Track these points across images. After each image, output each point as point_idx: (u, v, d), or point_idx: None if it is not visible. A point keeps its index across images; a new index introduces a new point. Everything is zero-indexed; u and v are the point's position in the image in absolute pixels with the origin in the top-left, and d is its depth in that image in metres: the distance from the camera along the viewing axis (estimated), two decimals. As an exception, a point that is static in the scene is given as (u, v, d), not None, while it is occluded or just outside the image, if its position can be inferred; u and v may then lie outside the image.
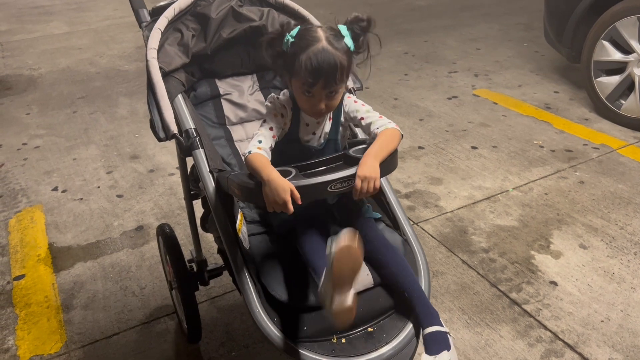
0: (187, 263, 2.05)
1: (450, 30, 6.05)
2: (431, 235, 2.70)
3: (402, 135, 1.51)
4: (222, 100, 1.94)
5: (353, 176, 1.35)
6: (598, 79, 3.79)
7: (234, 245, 1.49)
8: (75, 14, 7.69)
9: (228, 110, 1.94)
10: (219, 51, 1.89)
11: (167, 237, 2.03)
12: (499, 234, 2.69)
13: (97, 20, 7.24)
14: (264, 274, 1.48)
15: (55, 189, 3.29)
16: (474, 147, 3.53)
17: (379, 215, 1.68)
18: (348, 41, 1.42)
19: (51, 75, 5.30)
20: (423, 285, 1.52)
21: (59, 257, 2.68)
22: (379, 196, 1.71)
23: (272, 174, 1.31)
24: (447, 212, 2.88)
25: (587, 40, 3.80)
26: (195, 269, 2.09)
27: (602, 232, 2.66)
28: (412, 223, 2.78)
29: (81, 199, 3.17)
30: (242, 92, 1.96)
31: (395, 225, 1.67)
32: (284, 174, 1.36)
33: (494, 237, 2.67)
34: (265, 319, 1.40)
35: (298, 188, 1.31)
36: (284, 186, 1.29)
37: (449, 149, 3.54)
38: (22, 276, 2.56)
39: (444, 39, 5.79)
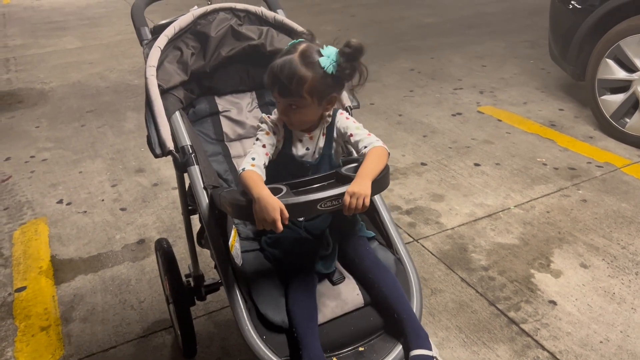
0: (183, 278, 2.06)
1: (457, 48, 6.08)
2: (431, 252, 2.70)
3: (389, 153, 1.52)
4: (221, 117, 1.97)
5: (343, 195, 1.36)
6: (602, 97, 3.78)
7: (225, 262, 1.50)
8: (87, 29, 7.81)
9: (226, 126, 1.97)
10: (219, 69, 1.92)
11: (164, 252, 2.05)
12: (499, 252, 2.68)
13: (109, 35, 7.35)
14: (256, 292, 1.49)
15: (60, 201, 3.33)
16: (476, 164, 3.53)
17: (373, 234, 1.69)
18: (324, 61, 1.44)
19: (62, 89, 5.38)
20: (414, 305, 1.53)
21: (60, 270, 2.71)
22: (373, 214, 1.72)
23: (262, 191, 1.33)
24: (447, 229, 2.88)
25: (592, 58, 3.80)
26: (192, 284, 2.11)
27: (603, 252, 2.64)
28: (411, 240, 2.79)
29: (85, 211, 3.20)
30: (240, 109, 1.99)
31: (388, 243, 1.68)
32: (275, 191, 1.37)
33: (494, 255, 2.66)
34: (255, 338, 1.41)
35: (288, 206, 1.32)
36: (274, 204, 1.30)
37: (452, 165, 3.54)
38: (23, 288, 2.59)
39: (450, 56, 5.81)
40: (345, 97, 1.88)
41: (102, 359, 2.16)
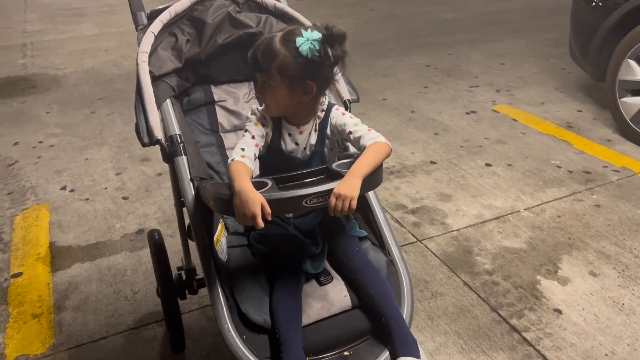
0: (173, 271, 2.01)
1: (475, 45, 5.94)
2: (434, 254, 2.61)
3: (391, 150, 1.44)
4: (216, 107, 1.91)
5: (331, 191, 1.29)
6: (623, 99, 3.64)
7: (208, 257, 1.45)
8: (106, 16, 7.82)
9: (222, 117, 1.91)
10: (215, 57, 1.86)
11: (154, 243, 2.00)
12: (505, 256, 2.58)
13: (126, 23, 7.34)
14: (238, 290, 1.43)
15: (64, 188, 3.31)
16: (488, 165, 3.43)
17: (365, 234, 1.62)
18: (299, 41, 1.36)
19: (75, 76, 5.38)
20: (404, 310, 1.46)
21: (58, 257, 2.68)
22: (366, 213, 1.65)
23: (244, 185, 1.26)
24: (453, 231, 2.79)
25: (613, 59, 3.65)
26: (183, 277, 2.06)
27: (614, 260, 2.53)
28: (415, 240, 2.71)
29: (87, 199, 3.18)
30: (237, 100, 1.93)
31: (381, 244, 1.60)
32: (259, 185, 1.31)
33: (499, 259, 2.57)
34: (235, 337, 1.36)
35: (270, 201, 1.26)
36: (254, 198, 1.24)
37: (462, 165, 3.44)
38: (19, 274, 2.57)
39: (468, 53, 5.68)
40: (343, 89, 1.81)
41: (91, 350, 2.13)
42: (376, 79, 5.03)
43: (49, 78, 5.34)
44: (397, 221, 2.87)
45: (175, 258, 2.47)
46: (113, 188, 3.29)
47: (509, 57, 5.48)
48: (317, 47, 1.36)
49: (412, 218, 2.90)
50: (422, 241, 2.71)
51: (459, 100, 4.46)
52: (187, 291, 2.03)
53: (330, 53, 1.37)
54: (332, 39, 1.37)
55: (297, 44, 1.37)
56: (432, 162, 3.48)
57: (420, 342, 2.08)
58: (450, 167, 3.42)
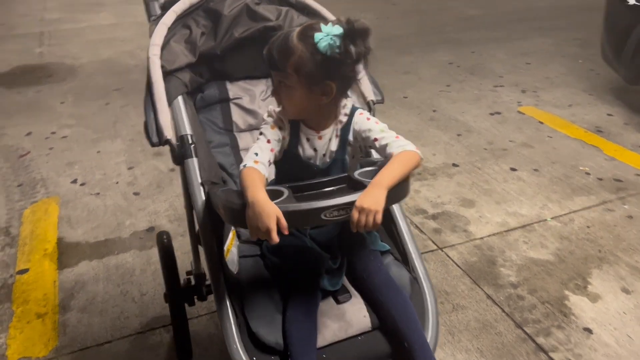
0: (182, 275, 1.91)
1: (501, 42, 5.76)
2: (455, 263, 2.49)
3: (422, 159, 1.31)
4: (231, 105, 1.80)
5: (352, 204, 1.17)
6: (658, 104, 3.47)
7: (217, 270, 1.34)
8: (124, 5, 7.75)
9: (236, 115, 1.80)
10: (231, 52, 1.75)
11: (163, 247, 1.90)
12: (531, 268, 2.45)
13: (144, 13, 7.27)
14: (249, 306, 1.33)
15: (75, 181, 3.23)
16: (513, 169, 3.28)
17: (388, 247, 1.49)
18: (318, 36, 1.23)
19: (91, 66, 5.31)
20: (429, 335, 1.34)
21: (65, 253, 2.60)
22: (389, 225, 1.53)
23: (258, 194, 1.15)
24: (476, 239, 2.66)
25: (649, 61, 3.48)
26: (193, 283, 1.96)
27: (649, 276, 2.39)
28: (435, 248, 2.58)
29: (98, 193, 3.10)
30: (253, 97, 1.82)
31: (404, 259, 1.48)
32: (275, 194, 1.20)
33: (525, 271, 2.43)
34: (244, 358, 1.24)
35: (286, 213, 1.14)
36: (269, 211, 1.12)
37: (486, 168, 3.30)
38: (25, 270, 2.49)
39: (493, 51, 5.51)
40: (367, 89, 1.69)
41: (95, 354, 2.04)
42: (397, 76, 4.88)
43: (65, 67, 5.28)
44: (417, 227, 2.75)
45: (185, 259, 2.37)
46: (124, 183, 3.21)
47: (535, 57, 5.30)
48: (338, 44, 1.24)
49: (433, 224, 2.77)
50: (443, 249, 2.59)
51: (482, 100, 4.31)
52: (195, 297, 1.93)
53: (352, 50, 1.24)
54: (354, 34, 1.24)
55: (315, 40, 1.24)
56: (454, 165, 3.35)
57: (441, 359, 1.97)
58: (473, 170, 3.28)
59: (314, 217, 1.16)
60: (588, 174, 3.22)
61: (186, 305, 1.92)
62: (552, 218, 2.81)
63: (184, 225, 2.74)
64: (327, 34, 1.24)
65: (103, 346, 2.08)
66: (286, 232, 1.14)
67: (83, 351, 2.06)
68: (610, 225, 2.75)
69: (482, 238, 2.66)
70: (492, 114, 4.06)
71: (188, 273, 1.99)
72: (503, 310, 2.21)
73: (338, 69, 1.29)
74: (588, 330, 2.11)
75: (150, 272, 2.46)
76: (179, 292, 1.83)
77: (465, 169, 3.30)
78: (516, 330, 2.11)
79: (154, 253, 2.58)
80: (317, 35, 1.25)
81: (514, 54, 5.40)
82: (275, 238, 1.12)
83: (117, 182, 3.21)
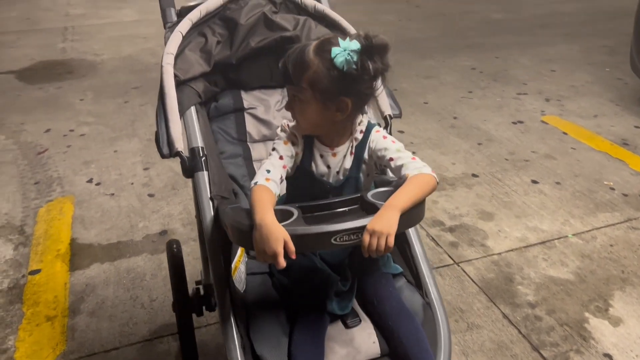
0: (191, 285, 1.89)
1: (525, 48, 5.64)
2: (472, 279, 2.42)
3: (437, 183, 1.25)
4: (246, 115, 1.76)
5: (364, 228, 1.12)
6: (688, 118, 3.35)
7: (223, 288, 1.30)
8: (147, 2, 7.77)
9: (250, 125, 1.76)
10: (246, 61, 1.71)
11: (172, 256, 1.87)
12: (550, 288, 2.37)
13: (167, 10, 7.29)
14: (254, 328, 1.29)
15: (90, 180, 3.23)
16: (534, 181, 3.20)
17: (400, 270, 1.44)
18: (335, 51, 1.19)
19: (112, 63, 5.34)
20: (441, 362, 1.28)
21: (78, 255, 2.60)
22: (403, 246, 1.47)
23: (266, 217, 1.11)
24: (493, 254, 2.59)
25: (680, 74, 3.36)
26: (202, 293, 1.93)
27: (674, 301, 2.30)
28: (451, 262, 2.52)
29: (113, 194, 3.09)
30: (268, 108, 1.78)
31: (417, 283, 1.43)
32: (284, 215, 1.16)
33: (543, 290, 2.36)
34: (247, 382, 1.21)
35: (295, 237, 1.10)
36: (277, 235, 1.08)
37: (506, 180, 3.22)
38: (37, 271, 2.49)
39: (517, 56, 5.40)
40: (384, 103, 1.64)
41: (102, 361, 2.03)
42: (418, 80, 4.81)
43: (86, 64, 5.31)
44: (432, 239, 2.69)
45: (197, 265, 2.36)
46: (139, 184, 3.20)
47: (561, 64, 5.18)
48: (355, 59, 1.19)
49: (450, 237, 2.71)
50: (460, 264, 2.52)
51: (505, 108, 4.21)
52: (204, 307, 1.90)
53: (369, 66, 1.20)
54: (371, 50, 1.19)
55: (332, 55, 1.20)
56: (473, 175, 3.27)
57: (453, 382, 1.91)
58: (493, 181, 3.20)
59: (324, 242, 1.12)
60: (612, 189, 3.12)
61: (194, 315, 1.89)
62: (573, 235, 2.72)
63: (196, 230, 2.72)
64: (345, 49, 1.20)
65: (110, 353, 2.06)
66: (294, 257, 1.09)
67: (90, 357, 2.04)
68: (634, 244, 2.65)
69: (500, 253, 2.59)
70: (514, 123, 3.97)
71: (197, 283, 1.96)
72: (520, 332, 2.14)
73: (354, 85, 1.24)
74: (608, 357, 2.03)
75: (160, 277, 2.44)
76: (187, 302, 1.80)
77: (485, 179, 3.23)
78: (532, 354, 2.04)
79: (166, 258, 2.56)
80: (335, 50, 1.20)
81: (539, 60, 5.29)
82: (282, 263, 1.08)
83: (132, 183, 3.20)
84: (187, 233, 2.72)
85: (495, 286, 2.38)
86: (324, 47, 1.23)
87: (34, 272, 2.48)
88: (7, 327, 2.18)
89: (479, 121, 4.00)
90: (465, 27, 6.51)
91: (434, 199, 3.02)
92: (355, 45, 1.20)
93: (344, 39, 1.22)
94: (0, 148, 3.64)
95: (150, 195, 3.08)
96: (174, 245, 1.91)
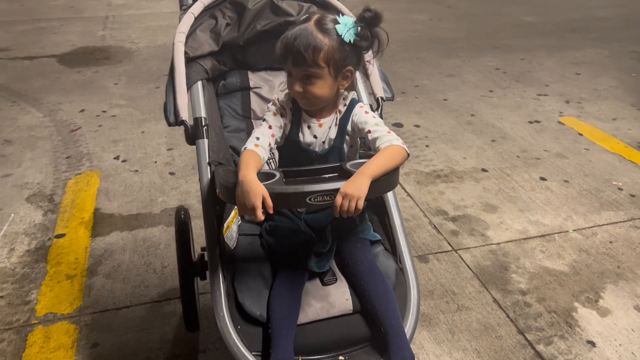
0: (197, 250, 2.04)
1: (552, 51, 5.64)
2: (467, 265, 2.51)
3: (409, 155, 1.37)
4: (251, 93, 1.91)
5: (337, 191, 1.24)
6: None
7: (214, 242, 1.44)
8: (186, -5, 8.03)
9: (255, 103, 1.90)
10: (253, 43, 1.85)
11: (179, 221, 2.02)
12: (544, 277, 2.44)
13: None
14: (239, 280, 1.43)
15: (117, 157, 3.44)
16: (542, 178, 3.25)
17: (378, 237, 1.56)
18: (341, 28, 1.34)
19: (147, 51, 5.57)
20: (407, 324, 1.40)
21: (99, 223, 2.79)
22: (383, 217, 1.59)
23: (248, 175, 1.25)
24: (492, 244, 2.67)
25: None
26: (206, 258, 2.07)
27: (666, 297, 2.34)
28: (450, 249, 2.61)
29: (137, 170, 3.29)
30: (272, 87, 1.91)
31: (394, 251, 1.54)
32: (266, 177, 1.29)
33: (536, 279, 2.43)
34: (229, 327, 1.35)
35: (273, 195, 1.23)
36: (256, 190, 1.22)
37: (515, 176, 3.28)
38: (62, 235, 2.69)
39: (543, 59, 5.40)
40: (378, 85, 1.75)
41: (113, 316, 2.20)
42: (440, 78, 4.88)
43: (123, 51, 5.56)
44: (435, 227, 2.78)
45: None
46: (162, 163, 3.38)
47: (586, 67, 5.17)
48: (357, 31, 1.36)
49: (452, 226, 2.80)
50: (458, 251, 2.61)
51: (523, 108, 4.25)
52: (207, 272, 2.04)
53: (370, 34, 1.37)
54: (372, 20, 1.35)
55: (340, 32, 1.35)
56: (483, 170, 3.34)
57: (437, 355, 2.01)
58: (501, 176, 3.27)
59: (299, 200, 1.24)
60: (620, 189, 3.15)
61: (199, 279, 2.04)
62: (574, 230, 2.78)
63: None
64: (346, 25, 1.35)
65: (121, 310, 2.24)
66: (271, 212, 1.23)
67: (103, 313, 2.22)
68: (634, 242, 2.69)
69: (498, 243, 2.67)
70: (530, 122, 4.01)
71: (203, 249, 2.11)
72: (507, 315, 2.23)
73: (359, 53, 1.41)
74: (591, 343, 2.10)
75: (173, 247, 2.55)
76: (189, 265, 1.95)
77: (494, 174, 3.29)
78: (517, 336, 2.13)
79: (180, 230, 2.73)
80: (340, 28, 1.36)
81: (565, 63, 5.28)
82: (260, 216, 1.21)
83: (155, 162, 3.39)
84: (201, 209, 2.88)
85: (490, 273, 2.47)
86: (326, 27, 1.36)
87: (59, 236, 2.69)
88: (32, 282, 2.38)
89: (496, 119, 4.05)
90: (494, 28, 6.53)
91: (440, 190, 3.11)
92: (352, 19, 1.37)
93: (333, 16, 1.37)
94: (37, 124, 3.89)
95: (171, 174, 3.26)
96: (182, 212, 2.06)
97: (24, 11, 7.18)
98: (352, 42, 1.36)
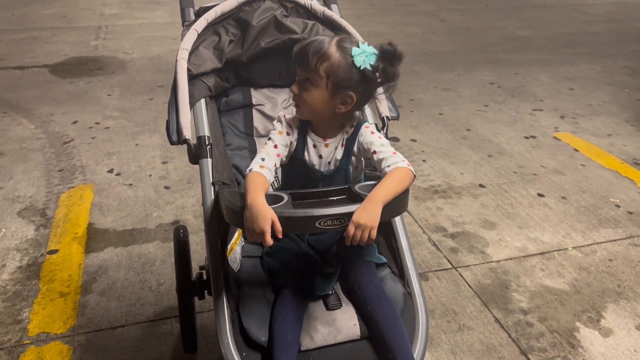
0: (196, 269, 2.00)
1: (546, 66, 5.68)
2: (468, 284, 2.48)
3: (415, 176, 1.35)
4: (254, 110, 1.88)
5: (347, 215, 1.22)
6: (700, 141, 3.36)
7: (218, 266, 1.41)
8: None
9: (257, 121, 1.88)
10: (257, 60, 1.83)
11: (178, 240, 1.98)
12: (545, 296, 2.42)
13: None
14: (244, 304, 1.39)
15: (111, 171, 3.39)
16: (540, 195, 3.24)
17: (384, 260, 1.53)
18: (356, 51, 1.33)
19: (141, 62, 5.53)
20: (416, 349, 1.36)
21: (93, 239, 2.74)
22: (390, 239, 1.56)
23: (257, 198, 1.21)
24: (492, 262, 2.65)
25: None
26: (205, 278, 2.03)
27: (667, 316, 2.33)
28: (450, 267, 2.59)
29: (131, 184, 3.24)
30: (275, 105, 1.89)
31: (401, 274, 1.51)
32: (275, 199, 1.26)
33: (537, 298, 2.41)
34: (233, 353, 1.31)
35: (282, 219, 1.20)
36: (265, 214, 1.18)
37: (513, 192, 3.27)
38: (55, 251, 2.63)
39: (537, 73, 5.43)
40: (383, 105, 1.73)
41: (108, 336, 2.15)
42: (436, 92, 4.89)
43: (116, 61, 5.52)
44: (434, 244, 2.76)
45: (205, 253, 2.46)
46: (157, 176, 3.34)
47: (580, 83, 5.21)
48: (372, 62, 1.34)
49: (451, 243, 2.78)
50: (458, 269, 2.59)
51: (519, 123, 4.26)
52: (206, 292, 2.00)
53: (386, 71, 1.35)
54: (391, 56, 1.34)
55: (353, 54, 1.34)
56: (480, 186, 3.33)
57: (438, 378, 1.98)
58: (499, 193, 3.26)
59: (309, 225, 1.21)
60: (618, 206, 3.15)
61: (197, 299, 2.00)
62: (573, 247, 2.77)
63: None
64: (364, 52, 1.33)
65: (116, 330, 2.18)
66: (280, 236, 1.20)
67: (97, 332, 2.17)
68: (634, 260, 2.68)
69: (498, 261, 2.65)
70: (526, 138, 4.01)
71: (201, 268, 2.07)
72: (509, 335, 2.20)
73: (365, 84, 1.37)
74: (594, 365, 2.08)
75: (169, 263, 2.56)
76: (189, 285, 1.91)
77: (492, 190, 3.28)
78: (520, 357, 2.10)
79: (176, 246, 2.68)
80: (356, 50, 1.34)
81: (559, 78, 5.32)
82: (269, 240, 1.18)
83: (150, 175, 3.35)
84: (198, 224, 2.84)
85: (490, 292, 2.44)
86: (344, 45, 1.36)
87: (52, 252, 2.63)
88: (24, 300, 2.32)
89: (492, 134, 4.05)
90: (488, 42, 6.56)
91: (439, 206, 3.09)
92: (372, 49, 1.35)
93: (363, 42, 1.35)
94: (29, 136, 3.83)
95: (166, 188, 3.21)
96: (181, 231, 2.02)
97: (16, 20, 7.12)
98: (361, 68, 1.34)
